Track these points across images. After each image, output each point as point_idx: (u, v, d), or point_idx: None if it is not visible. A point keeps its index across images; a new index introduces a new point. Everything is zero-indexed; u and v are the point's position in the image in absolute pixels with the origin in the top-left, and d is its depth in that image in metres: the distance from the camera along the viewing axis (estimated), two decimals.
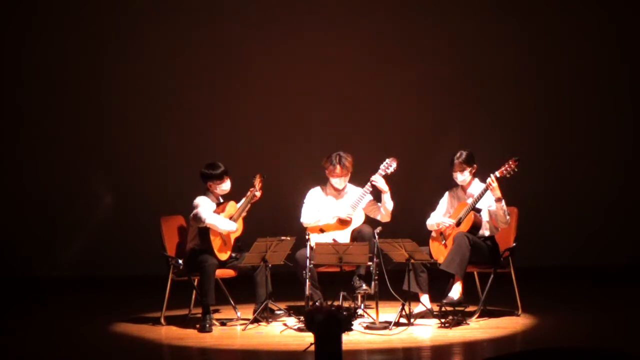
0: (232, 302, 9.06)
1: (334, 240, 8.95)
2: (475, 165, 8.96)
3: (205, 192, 8.99)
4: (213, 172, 8.94)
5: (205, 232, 8.81)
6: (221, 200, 9.03)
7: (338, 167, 9.08)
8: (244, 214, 9.00)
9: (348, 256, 8.53)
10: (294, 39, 11.75)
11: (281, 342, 8.06)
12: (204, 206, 8.85)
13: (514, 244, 8.91)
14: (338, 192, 9.22)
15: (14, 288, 11.25)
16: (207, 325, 8.55)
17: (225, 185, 8.99)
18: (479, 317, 8.77)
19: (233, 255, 8.93)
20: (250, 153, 11.33)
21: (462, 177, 8.92)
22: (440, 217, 9.00)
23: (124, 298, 10.73)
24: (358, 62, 11.73)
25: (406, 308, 8.51)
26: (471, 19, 11.74)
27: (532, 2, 11.80)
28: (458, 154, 8.91)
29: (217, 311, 9.19)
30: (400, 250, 8.49)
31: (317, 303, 8.50)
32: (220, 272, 8.85)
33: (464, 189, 9.00)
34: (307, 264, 8.50)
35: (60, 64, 11.73)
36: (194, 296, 9.08)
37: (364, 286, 8.73)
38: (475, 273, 9.05)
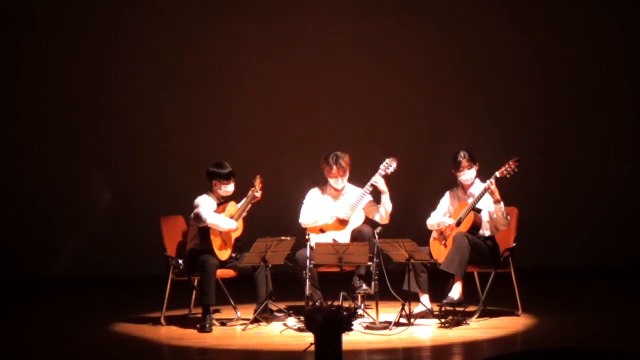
0: (232, 302, 9.06)
1: (334, 240, 8.95)
2: (478, 164, 8.96)
3: (208, 191, 8.99)
4: (220, 172, 8.93)
5: (205, 231, 8.81)
6: (222, 201, 9.03)
7: (334, 167, 9.08)
8: (244, 214, 9.00)
9: (348, 256, 8.53)
10: (294, 39, 11.75)
11: (281, 342, 8.06)
12: (205, 206, 8.86)
13: (514, 244, 8.91)
14: (337, 192, 9.22)
15: (14, 288, 11.25)
16: (207, 325, 8.55)
17: (230, 187, 8.99)
18: (479, 317, 8.77)
19: (233, 255, 8.94)
20: (250, 153, 11.33)
21: (470, 174, 8.88)
22: (441, 216, 9.00)
23: (124, 298, 10.73)
24: (358, 63, 11.73)
25: (406, 308, 8.51)
26: (472, 19, 11.75)
27: (533, 3, 11.80)
28: (462, 154, 8.89)
29: (217, 311, 9.19)
30: (400, 250, 8.49)
31: (317, 303, 8.50)
32: (220, 272, 8.85)
33: (464, 188, 9.00)
34: (307, 264, 8.50)
35: (60, 64, 11.73)
36: (194, 296, 9.08)
37: (364, 286, 8.72)
38: (475, 273, 9.05)
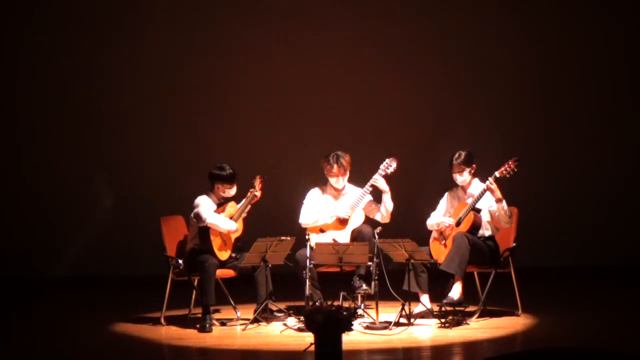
0: (232, 302, 9.07)
1: (334, 240, 8.95)
2: (474, 165, 8.96)
3: (208, 192, 8.99)
4: (223, 174, 8.95)
5: (205, 231, 8.81)
6: (222, 201, 9.04)
7: (335, 166, 9.09)
8: (244, 214, 9.00)
9: (348, 256, 8.53)
10: (294, 39, 11.75)
11: (281, 342, 8.06)
12: (205, 206, 8.87)
13: (514, 244, 8.91)
14: (338, 192, 9.22)
15: (14, 288, 11.25)
16: (207, 325, 8.56)
17: (232, 191, 9.00)
18: (479, 317, 8.77)
19: (233, 255, 8.94)
20: (250, 153, 11.33)
21: (461, 178, 8.92)
22: (440, 216, 9.00)
23: (124, 298, 10.73)
24: (358, 63, 11.72)
25: (406, 308, 8.51)
26: (472, 19, 11.74)
27: (533, 3, 11.80)
28: (457, 155, 8.91)
29: (217, 311, 9.19)
30: (400, 250, 8.49)
31: (317, 303, 8.50)
32: (220, 272, 8.85)
33: (464, 188, 9.00)
34: (307, 264, 8.50)
35: (60, 65, 11.72)
36: (194, 296, 9.08)
37: (364, 286, 8.73)
38: (475, 273, 9.05)
